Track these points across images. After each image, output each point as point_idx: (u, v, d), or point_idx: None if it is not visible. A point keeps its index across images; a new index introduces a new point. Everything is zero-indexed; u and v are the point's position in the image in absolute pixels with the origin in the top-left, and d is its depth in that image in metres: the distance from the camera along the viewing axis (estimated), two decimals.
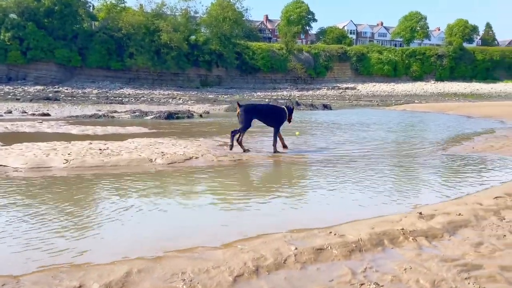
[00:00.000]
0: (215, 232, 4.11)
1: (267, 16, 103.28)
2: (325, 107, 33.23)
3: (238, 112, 9.08)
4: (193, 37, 67.88)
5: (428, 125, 19.17)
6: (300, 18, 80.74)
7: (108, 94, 49.31)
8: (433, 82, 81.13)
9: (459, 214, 4.07)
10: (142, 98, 42.38)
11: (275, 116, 9.41)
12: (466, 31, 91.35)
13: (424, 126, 18.23)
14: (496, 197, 4.74)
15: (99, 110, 25.40)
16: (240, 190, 6.08)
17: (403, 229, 3.69)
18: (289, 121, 9.61)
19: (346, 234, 3.66)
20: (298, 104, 34.03)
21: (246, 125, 8.99)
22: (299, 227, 4.11)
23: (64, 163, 7.07)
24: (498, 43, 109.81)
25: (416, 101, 50.31)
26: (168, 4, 67.85)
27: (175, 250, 3.52)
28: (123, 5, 67.26)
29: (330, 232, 3.73)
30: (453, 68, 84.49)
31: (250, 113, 9.12)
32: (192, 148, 8.78)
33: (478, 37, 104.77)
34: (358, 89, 71.29)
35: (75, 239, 3.97)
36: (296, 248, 3.33)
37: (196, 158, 7.83)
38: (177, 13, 68.46)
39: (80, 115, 21.32)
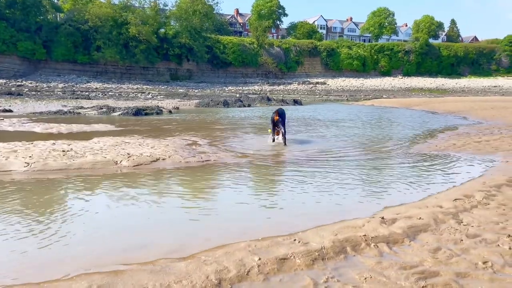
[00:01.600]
0: (178, 242, 4.04)
1: (237, 10, 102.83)
2: (296, 102, 33.51)
3: (277, 119, 10.20)
4: (162, 30, 66.78)
5: (395, 121, 19.60)
6: (271, 13, 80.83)
7: (74, 88, 47.93)
8: (401, 77, 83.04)
9: (420, 218, 4.18)
10: (110, 93, 41.40)
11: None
12: (432, 27, 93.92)
13: (391, 123, 18.62)
14: (455, 199, 4.89)
15: (65, 106, 24.66)
16: (205, 194, 6.00)
17: (365, 235, 3.75)
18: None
19: (310, 241, 3.69)
20: (269, 99, 34.18)
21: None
22: (264, 234, 4.10)
23: (24, 167, 6.81)
24: (462, 39, 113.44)
25: (384, 96, 51.38)
26: None
27: (137, 263, 3.44)
28: None
29: (295, 240, 3.74)
30: (420, 64, 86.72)
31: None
32: (159, 149, 8.62)
33: (444, 34, 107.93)
34: (328, 84, 72.14)
35: (27, 253, 3.81)
36: (259, 259, 3.33)
37: (163, 159, 7.68)
38: (145, 6, 67.08)
39: (45, 111, 20.62)
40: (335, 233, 3.81)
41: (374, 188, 6.29)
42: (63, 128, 13.19)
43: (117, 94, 39.25)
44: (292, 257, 3.37)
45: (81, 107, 23.77)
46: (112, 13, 61.78)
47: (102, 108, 22.46)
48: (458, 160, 8.41)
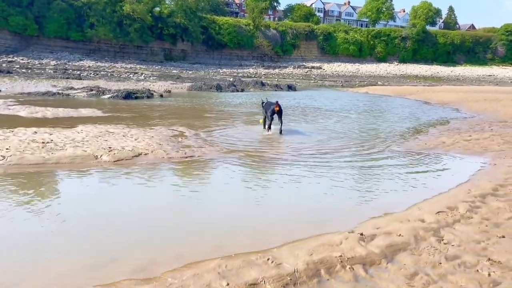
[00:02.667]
0: (147, 257, 3.87)
1: None
2: (290, 88, 33.24)
3: (278, 109, 10.98)
4: (157, 9, 65.53)
5: (387, 112, 19.46)
6: None
7: (66, 66, 47.19)
8: (396, 63, 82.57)
9: (400, 235, 4.06)
10: (102, 72, 40.81)
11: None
12: (429, 14, 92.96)
13: (384, 115, 18.47)
14: (438, 212, 4.78)
15: (55, 86, 24.22)
16: (183, 199, 5.78)
17: (341, 255, 3.62)
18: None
19: (283, 262, 3.55)
20: (263, 84, 33.86)
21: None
22: (238, 248, 3.96)
23: (0, 160, 6.60)
24: (459, 27, 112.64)
25: (379, 82, 51.16)
26: None
27: (100, 285, 3.29)
28: None
29: (268, 259, 3.60)
30: (416, 51, 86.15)
31: None
32: (143, 141, 8.41)
33: (441, 20, 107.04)
34: (324, 69, 71.63)
35: None
36: (227, 284, 3.19)
37: (146, 154, 7.49)
38: None
39: (33, 92, 20.24)
40: (310, 253, 3.68)
41: (358, 194, 6.10)
42: (49, 112, 12.92)
43: (109, 74, 38.67)
44: (263, 282, 3.23)
45: (71, 88, 23.37)
46: None
47: (92, 90, 22.08)
48: (446, 162, 8.30)
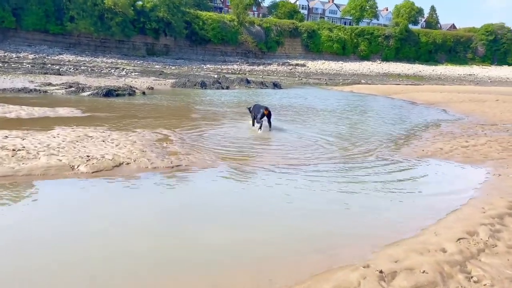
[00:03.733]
0: None
1: None
2: (275, 85, 32.79)
3: (267, 113, 11.64)
4: (139, 3, 64.19)
5: (375, 113, 19.14)
6: None
7: (45, 60, 45.63)
8: (379, 62, 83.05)
9: (424, 272, 3.60)
10: (82, 67, 39.52)
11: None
12: (412, 13, 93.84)
13: (371, 115, 18.15)
14: (458, 239, 4.34)
15: (32, 82, 23.14)
16: (166, 220, 5.11)
17: None
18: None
19: None
20: (248, 81, 33.30)
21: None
22: None
23: None
24: (440, 26, 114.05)
25: (362, 81, 51.13)
26: None
27: None
28: None
29: None
30: (399, 49, 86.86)
31: None
32: (124, 148, 7.74)
33: (423, 20, 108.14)
34: (308, 66, 71.42)
35: None
36: None
37: (128, 164, 6.83)
38: None
39: (8, 88, 19.21)
40: None
41: (363, 213, 5.58)
42: (24, 112, 12.08)
43: (89, 69, 37.45)
44: None
45: (49, 84, 22.34)
46: None
47: (71, 87, 21.12)
48: (448, 172, 7.92)
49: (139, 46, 65.09)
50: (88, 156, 6.85)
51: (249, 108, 12.89)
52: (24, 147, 7.11)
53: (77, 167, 6.38)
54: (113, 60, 53.92)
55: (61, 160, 6.52)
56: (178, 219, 5.23)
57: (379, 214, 5.50)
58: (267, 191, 6.41)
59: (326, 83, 44.25)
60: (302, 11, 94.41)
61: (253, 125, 12.06)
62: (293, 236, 4.79)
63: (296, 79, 49.40)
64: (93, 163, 6.52)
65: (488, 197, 5.94)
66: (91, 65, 44.13)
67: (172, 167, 7.03)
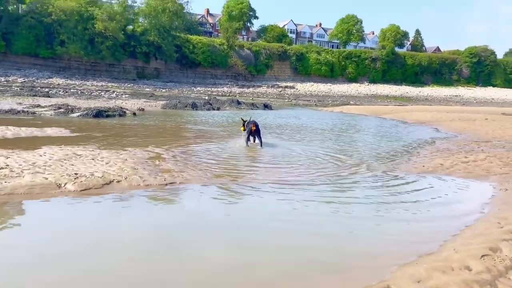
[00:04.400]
0: None
1: (208, 10, 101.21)
2: (266, 106, 32.77)
3: (254, 129, 11.53)
4: (130, 27, 64.50)
5: (370, 131, 19.07)
6: (241, 14, 79.86)
7: (34, 83, 45.15)
8: (367, 84, 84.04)
9: None
10: (72, 90, 39.17)
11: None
12: (397, 36, 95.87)
13: (367, 133, 18.07)
14: (482, 256, 4.07)
15: (20, 104, 22.72)
16: (161, 243, 4.68)
17: None
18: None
19: None
20: (239, 103, 33.28)
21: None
22: None
23: None
24: (425, 49, 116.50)
25: (351, 102, 51.53)
26: None
27: None
28: None
29: None
30: (385, 71, 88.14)
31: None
32: (115, 165, 7.37)
33: (408, 43, 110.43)
34: (297, 88, 71.94)
35: None
36: None
37: (118, 181, 6.46)
38: (113, 1, 64.50)
39: None
40: None
41: (372, 229, 5.23)
42: (10, 132, 11.67)
43: (79, 92, 37.11)
44: None
45: (38, 106, 21.95)
46: (77, 7, 58.91)
47: (60, 108, 20.75)
48: (453, 187, 7.69)
49: (129, 69, 65.04)
50: (76, 174, 6.47)
51: (244, 122, 12.28)
52: (7, 165, 6.72)
53: (64, 185, 5.99)
54: (103, 84, 53.62)
55: (47, 178, 6.13)
56: (171, 240, 4.84)
57: (389, 231, 5.19)
58: (267, 209, 6.09)
59: (315, 104, 44.48)
60: (290, 35, 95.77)
61: (246, 143, 11.70)
62: (299, 256, 4.44)
63: (286, 100, 49.60)
64: (81, 181, 6.15)
65: (501, 212, 5.71)
66: (81, 88, 43.79)
67: (166, 184, 6.68)
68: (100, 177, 6.43)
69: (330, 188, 7.36)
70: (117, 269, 3.96)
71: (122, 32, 61.31)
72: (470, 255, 4.07)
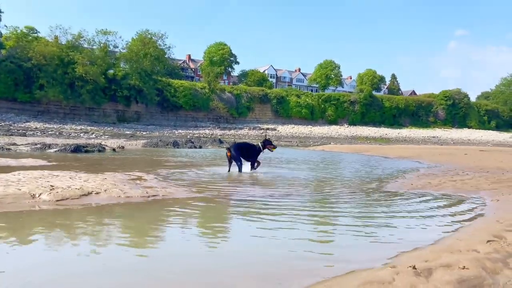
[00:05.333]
0: None
1: (189, 56, 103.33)
2: None
3: (229, 154, 11.35)
4: (111, 71, 64.92)
5: (354, 163, 19.01)
6: (222, 60, 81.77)
7: (11, 127, 44.26)
8: (347, 126, 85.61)
9: (464, 268, 3.03)
10: (50, 132, 38.46)
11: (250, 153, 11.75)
12: (374, 80, 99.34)
13: (351, 163, 17.98)
14: (489, 241, 3.82)
15: None
16: (147, 260, 4.33)
17: None
18: (270, 149, 11.99)
19: None
20: (221, 141, 33.18)
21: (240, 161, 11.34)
22: None
23: None
24: (402, 92, 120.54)
25: (332, 143, 51.99)
26: (85, 36, 64.34)
27: None
28: (35, 34, 62.40)
29: None
30: (364, 114, 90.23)
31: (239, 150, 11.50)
32: (94, 182, 6.94)
33: (385, 87, 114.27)
34: (279, 130, 72.60)
35: None
36: None
37: (97, 193, 6.02)
38: (94, 46, 65.17)
39: None
40: None
41: (366, 228, 5.01)
42: None
43: (57, 133, 36.46)
44: None
45: (14, 144, 21.26)
46: (58, 52, 59.30)
47: (36, 145, 20.13)
48: (444, 198, 7.49)
49: (109, 113, 64.79)
50: (52, 186, 6.02)
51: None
52: None
53: (39, 196, 5.51)
54: (83, 127, 53.05)
55: (20, 189, 5.67)
56: (168, 252, 4.38)
57: (388, 229, 4.91)
58: (266, 217, 5.73)
59: (297, 145, 44.71)
60: (270, 79, 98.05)
61: (239, 170, 11.15)
62: (297, 251, 4.10)
63: None
64: (57, 192, 5.69)
65: (498, 214, 5.49)
66: (59, 131, 43.11)
67: (148, 197, 6.26)
68: (78, 189, 5.99)
69: (314, 200, 7.05)
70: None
71: (103, 76, 61.61)
72: (475, 242, 3.80)
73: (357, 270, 3.12)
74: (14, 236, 4.20)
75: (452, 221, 5.31)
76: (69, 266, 3.42)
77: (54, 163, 12.06)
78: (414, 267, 2.96)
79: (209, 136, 50.88)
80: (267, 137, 12.78)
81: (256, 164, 11.70)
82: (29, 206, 5.27)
